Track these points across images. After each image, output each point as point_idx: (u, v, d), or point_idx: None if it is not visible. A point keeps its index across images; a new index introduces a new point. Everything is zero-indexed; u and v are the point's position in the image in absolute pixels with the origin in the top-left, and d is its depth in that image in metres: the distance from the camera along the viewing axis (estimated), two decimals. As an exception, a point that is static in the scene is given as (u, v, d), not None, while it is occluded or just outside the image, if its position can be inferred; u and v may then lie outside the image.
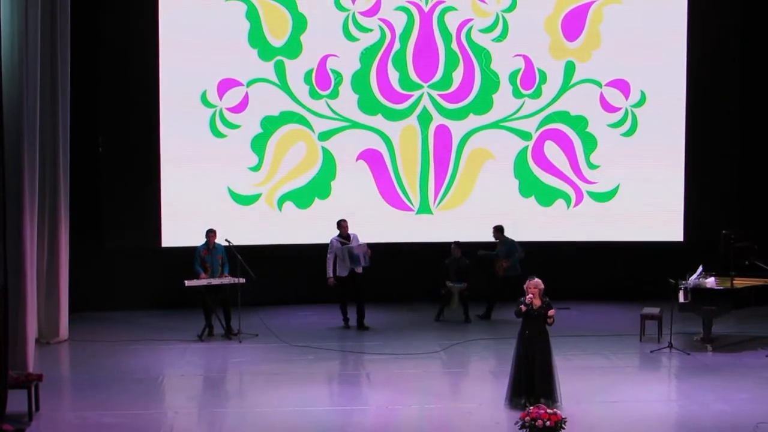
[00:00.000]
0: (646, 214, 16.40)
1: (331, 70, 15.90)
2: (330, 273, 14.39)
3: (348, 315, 14.55)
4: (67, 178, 13.65)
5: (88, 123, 15.10)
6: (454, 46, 16.06)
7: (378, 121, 16.08)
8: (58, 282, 13.53)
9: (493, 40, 16.12)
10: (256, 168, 15.87)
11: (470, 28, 16.07)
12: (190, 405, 10.92)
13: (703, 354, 12.84)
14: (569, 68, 16.24)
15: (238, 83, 15.73)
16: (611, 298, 16.14)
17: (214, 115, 15.72)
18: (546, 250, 15.84)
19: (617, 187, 16.41)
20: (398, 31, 15.99)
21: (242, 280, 13.64)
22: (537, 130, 16.30)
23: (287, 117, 15.90)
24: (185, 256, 14.29)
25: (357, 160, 16.09)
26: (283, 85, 15.82)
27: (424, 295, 15.73)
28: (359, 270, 14.43)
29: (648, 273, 15.66)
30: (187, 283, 13.72)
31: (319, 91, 15.90)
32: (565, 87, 16.26)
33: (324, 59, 15.87)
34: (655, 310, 13.57)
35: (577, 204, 16.41)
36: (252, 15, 15.71)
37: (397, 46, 16.00)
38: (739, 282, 13.30)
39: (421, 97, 16.09)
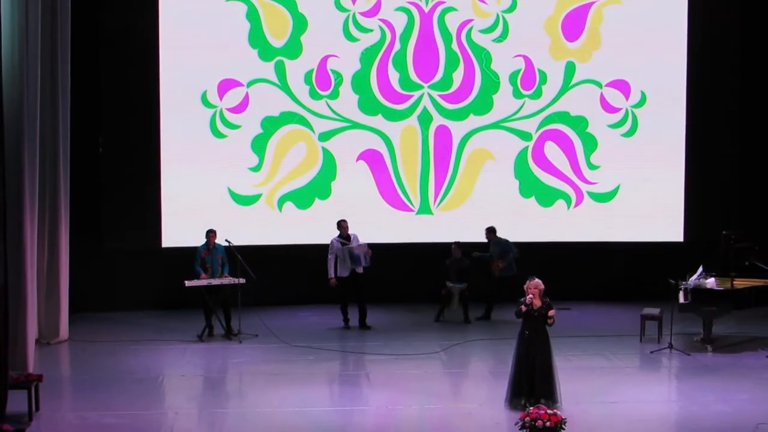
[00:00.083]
0: (646, 214, 16.39)
1: (331, 70, 15.90)
2: (331, 274, 14.39)
3: (348, 315, 14.55)
4: (67, 178, 13.65)
5: (88, 123, 15.10)
6: (455, 46, 16.06)
7: (378, 121, 16.08)
8: (58, 282, 13.53)
9: (493, 40, 16.12)
10: (256, 168, 15.87)
11: (470, 29, 16.07)
12: (190, 405, 10.93)
13: (703, 354, 12.83)
14: (569, 69, 16.24)
15: (238, 83, 15.73)
16: (611, 299, 16.14)
17: (214, 115, 15.71)
18: (546, 250, 15.84)
19: (617, 187, 16.40)
20: (398, 31, 15.99)
21: (242, 281, 13.64)
22: (537, 130, 16.29)
23: (287, 117, 15.89)
24: (185, 256, 14.29)
25: (357, 160, 16.09)
26: (284, 86, 15.82)
27: (424, 296, 15.72)
28: (360, 270, 14.43)
29: (648, 273, 15.65)
30: (187, 283, 13.73)
31: (319, 91, 15.90)
32: (566, 87, 16.25)
33: (324, 59, 15.87)
34: (656, 311, 13.56)
35: (577, 204, 16.40)
36: (252, 15, 15.71)
37: (397, 46, 16.00)
38: (740, 282, 13.30)
39: (421, 97, 16.09)
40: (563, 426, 9.02)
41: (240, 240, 14.26)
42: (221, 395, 11.51)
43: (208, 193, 15.68)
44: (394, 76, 16.03)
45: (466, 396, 11.68)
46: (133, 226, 15.66)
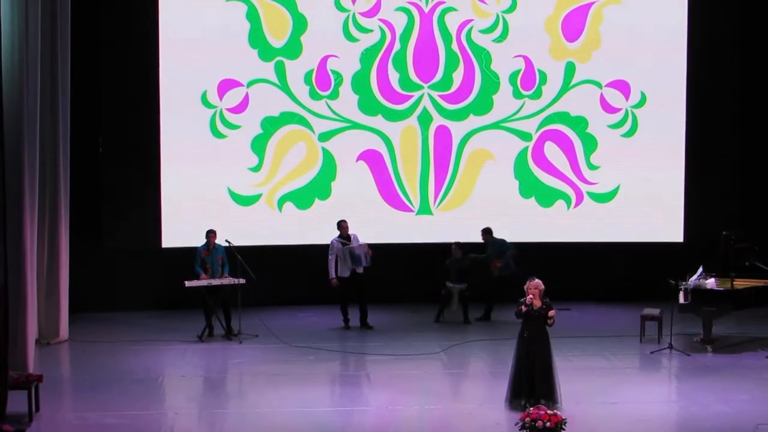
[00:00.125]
0: (646, 214, 16.39)
1: (331, 70, 15.90)
2: (332, 274, 14.39)
3: (349, 316, 14.55)
4: (67, 178, 13.65)
5: (88, 123, 15.10)
6: (455, 46, 16.06)
7: (378, 121, 16.07)
8: (58, 282, 13.53)
9: (493, 40, 16.12)
10: (256, 168, 15.87)
11: (470, 29, 16.07)
12: (190, 406, 10.93)
13: (703, 355, 12.83)
14: (569, 69, 16.24)
15: (238, 84, 15.73)
16: (611, 299, 16.14)
17: (214, 115, 15.71)
18: (546, 250, 15.84)
19: (617, 187, 16.40)
20: (398, 31, 15.98)
21: (242, 281, 13.64)
22: (537, 130, 16.29)
23: (287, 117, 15.89)
24: (185, 256, 14.29)
25: (357, 160, 16.08)
26: (284, 86, 15.82)
27: (424, 296, 15.71)
28: (360, 270, 14.43)
29: (648, 274, 15.65)
30: (187, 283, 13.72)
31: (319, 91, 15.89)
32: (566, 88, 16.25)
33: (324, 60, 15.87)
34: (656, 311, 13.56)
35: (577, 205, 16.40)
36: (252, 15, 15.70)
37: (397, 46, 16.00)
38: (740, 283, 13.30)
39: (421, 97, 16.09)
40: (563, 426, 9.02)
41: (240, 240, 14.26)
42: (221, 395, 11.52)
43: (208, 194, 15.68)
44: (394, 76, 16.03)
45: (466, 396, 11.68)
46: (133, 226, 15.66)
